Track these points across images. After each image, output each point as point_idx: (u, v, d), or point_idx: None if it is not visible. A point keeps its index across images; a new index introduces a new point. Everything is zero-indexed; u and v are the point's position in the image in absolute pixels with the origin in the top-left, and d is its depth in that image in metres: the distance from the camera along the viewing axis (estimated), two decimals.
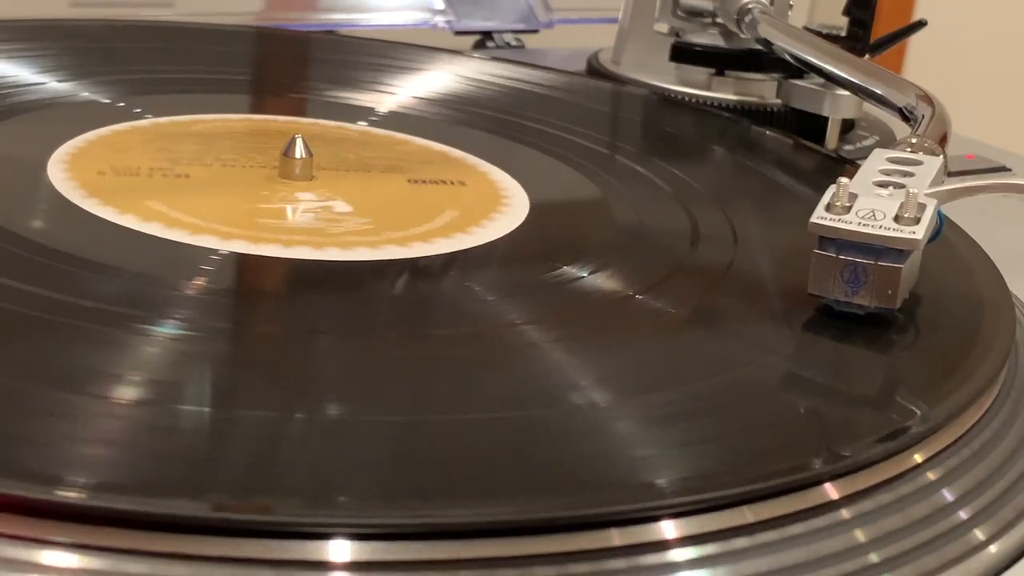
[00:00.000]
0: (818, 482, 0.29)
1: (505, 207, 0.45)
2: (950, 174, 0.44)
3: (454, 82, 0.59)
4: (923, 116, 0.49)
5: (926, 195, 0.38)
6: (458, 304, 0.38)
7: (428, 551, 0.26)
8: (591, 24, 0.81)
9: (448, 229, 0.42)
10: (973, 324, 0.38)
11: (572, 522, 0.26)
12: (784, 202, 0.51)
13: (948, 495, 0.31)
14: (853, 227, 0.36)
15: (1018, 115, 1.32)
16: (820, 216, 0.37)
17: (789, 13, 0.63)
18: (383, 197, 0.44)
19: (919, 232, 0.36)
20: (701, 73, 0.62)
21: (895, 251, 0.36)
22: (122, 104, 0.51)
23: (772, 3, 0.61)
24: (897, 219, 0.36)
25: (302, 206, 0.43)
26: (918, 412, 0.33)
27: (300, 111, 0.54)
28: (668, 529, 0.27)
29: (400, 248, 0.40)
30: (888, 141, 0.61)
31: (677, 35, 0.64)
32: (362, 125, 0.53)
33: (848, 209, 0.37)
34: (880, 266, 0.36)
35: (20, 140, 0.46)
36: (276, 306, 0.37)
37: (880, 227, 0.36)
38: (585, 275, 0.39)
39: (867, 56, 0.63)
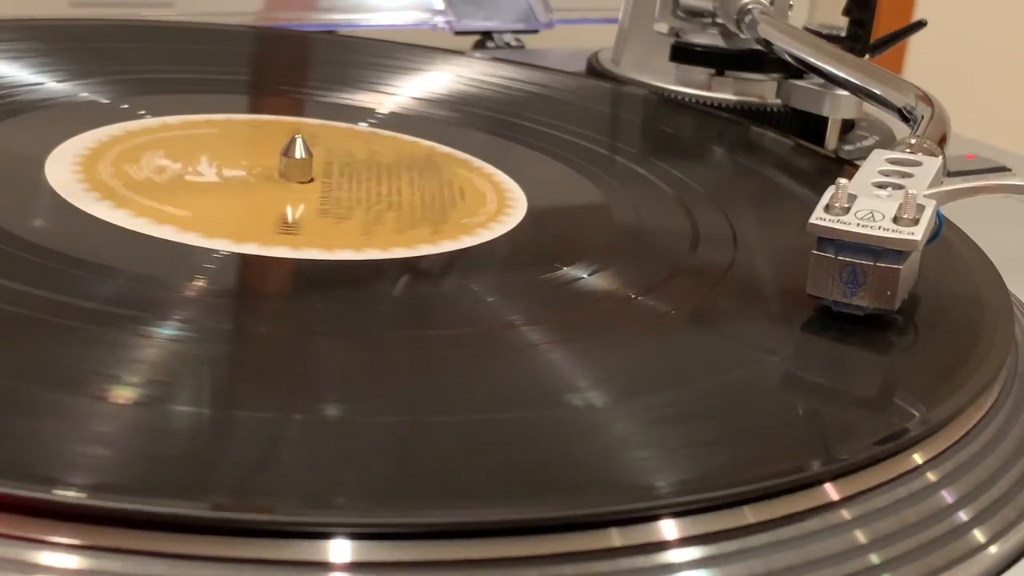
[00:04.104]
0: (818, 483, 0.29)
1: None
2: (950, 174, 0.44)
3: (454, 82, 0.59)
4: (922, 116, 0.49)
5: (925, 196, 0.38)
6: (458, 305, 0.38)
7: (428, 551, 0.26)
8: (591, 24, 0.81)
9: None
10: (973, 325, 0.38)
11: (572, 522, 0.27)
12: (784, 203, 0.51)
13: (948, 496, 0.31)
14: (851, 228, 0.36)
15: (1018, 115, 1.32)
16: (819, 217, 0.37)
17: (789, 13, 0.63)
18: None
19: (917, 233, 0.36)
20: (701, 73, 0.62)
21: (893, 252, 0.36)
22: (121, 104, 0.50)
23: (772, 3, 0.61)
24: (896, 220, 0.36)
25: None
26: (918, 413, 0.33)
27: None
28: (668, 529, 0.27)
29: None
30: (888, 141, 0.61)
31: (677, 35, 0.64)
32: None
33: (847, 210, 0.37)
34: (879, 267, 0.36)
35: (20, 140, 0.46)
36: (279, 307, 0.37)
37: (879, 228, 0.36)
38: (585, 276, 0.39)
39: (867, 56, 0.63)
